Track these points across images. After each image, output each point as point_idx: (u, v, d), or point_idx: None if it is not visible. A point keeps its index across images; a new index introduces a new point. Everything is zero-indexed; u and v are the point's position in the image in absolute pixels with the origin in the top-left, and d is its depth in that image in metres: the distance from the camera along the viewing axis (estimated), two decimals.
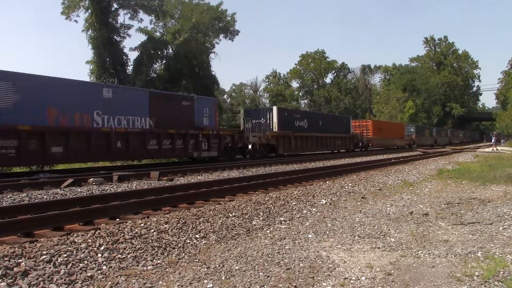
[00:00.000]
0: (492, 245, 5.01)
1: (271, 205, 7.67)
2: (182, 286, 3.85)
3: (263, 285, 3.81)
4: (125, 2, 36.43)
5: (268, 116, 25.89)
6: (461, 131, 78.77)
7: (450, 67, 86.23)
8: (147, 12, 37.69)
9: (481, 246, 4.97)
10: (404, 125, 52.09)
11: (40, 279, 3.80)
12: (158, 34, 40.48)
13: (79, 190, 9.54)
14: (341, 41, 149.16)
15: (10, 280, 3.69)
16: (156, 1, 38.11)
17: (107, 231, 5.19)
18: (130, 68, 37.78)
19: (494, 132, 48.95)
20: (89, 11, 34.33)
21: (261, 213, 7.07)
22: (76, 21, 35.57)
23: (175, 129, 17.93)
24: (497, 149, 33.25)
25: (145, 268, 4.34)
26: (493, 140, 40.67)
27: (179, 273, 4.18)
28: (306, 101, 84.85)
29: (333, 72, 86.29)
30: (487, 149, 34.75)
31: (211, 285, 3.84)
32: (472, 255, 4.58)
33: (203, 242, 5.36)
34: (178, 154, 18.86)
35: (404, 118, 66.53)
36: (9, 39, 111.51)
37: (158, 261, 4.56)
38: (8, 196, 8.37)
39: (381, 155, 27.99)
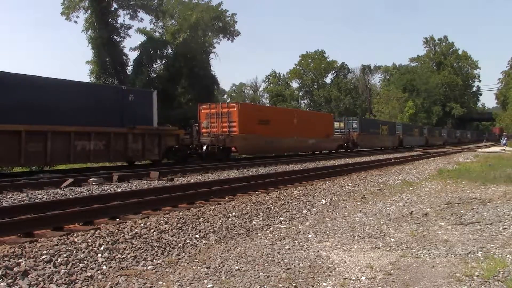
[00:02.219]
0: (492, 245, 5.01)
1: (271, 205, 7.67)
2: (182, 286, 3.85)
3: (263, 285, 3.81)
4: (125, 2, 36.45)
5: None
6: (445, 130, 64.87)
7: (450, 67, 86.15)
8: (146, 12, 37.73)
9: (481, 246, 4.97)
10: (332, 116, 35.20)
11: (40, 279, 3.79)
12: (157, 34, 40.49)
13: (79, 190, 9.53)
14: (341, 41, 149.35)
15: (10, 280, 3.68)
16: (156, 1, 38.14)
17: (107, 231, 5.19)
18: (130, 68, 37.84)
19: (505, 132, 48.77)
20: (89, 11, 34.37)
21: (261, 213, 7.07)
22: (75, 21, 35.64)
23: None
24: (504, 149, 33.17)
25: (145, 268, 4.34)
26: (504, 141, 40.61)
27: (179, 273, 4.18)
28: (306, 101, 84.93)
29: (333, 72, 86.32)
30: (487, 148, 34.60)
31: (211, 285, 3.84)
32: (472, 255, 4.58)
33: (203, 242, 5.36)
34: None
35: (404, 118, 66.47)
36: (9, 39, 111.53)
37: (158, 261, 4.55)
38: (8, 196, 8.36)
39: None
